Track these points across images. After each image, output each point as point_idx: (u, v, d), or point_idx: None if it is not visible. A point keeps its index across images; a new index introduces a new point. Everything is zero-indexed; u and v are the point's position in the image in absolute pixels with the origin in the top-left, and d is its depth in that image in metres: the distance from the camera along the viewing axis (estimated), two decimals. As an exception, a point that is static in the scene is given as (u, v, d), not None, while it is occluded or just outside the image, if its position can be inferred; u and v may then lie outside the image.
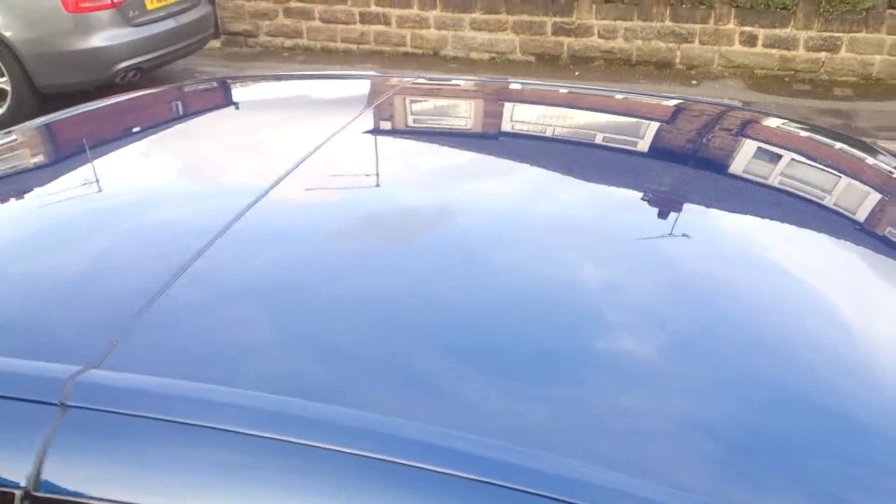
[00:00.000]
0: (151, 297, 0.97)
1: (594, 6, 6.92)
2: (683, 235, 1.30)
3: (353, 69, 7.07)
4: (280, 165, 1.37)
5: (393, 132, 1.75)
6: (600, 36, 7.00)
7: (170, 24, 6.10)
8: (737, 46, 6.79)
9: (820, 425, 0.90)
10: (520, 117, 1.89)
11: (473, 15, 7.18)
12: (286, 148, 1.52)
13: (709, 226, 1.40)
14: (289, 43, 7.79)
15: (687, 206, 1.45)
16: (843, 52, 6.60)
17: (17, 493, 0.75)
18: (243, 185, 1.33)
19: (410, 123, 1.88)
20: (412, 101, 1.98)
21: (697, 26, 6.79)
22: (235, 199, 1.23)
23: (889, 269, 1.34)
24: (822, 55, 6.64)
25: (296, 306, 1.01)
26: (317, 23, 7.64)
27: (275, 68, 7.29)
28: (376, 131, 1.69)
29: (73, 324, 0.98)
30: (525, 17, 7.08)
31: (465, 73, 6.97)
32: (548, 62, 7.14)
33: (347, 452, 0.75)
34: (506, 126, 1.84)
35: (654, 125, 1.91)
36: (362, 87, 2.20)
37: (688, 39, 6.85)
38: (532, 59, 7.20)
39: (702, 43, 6.83)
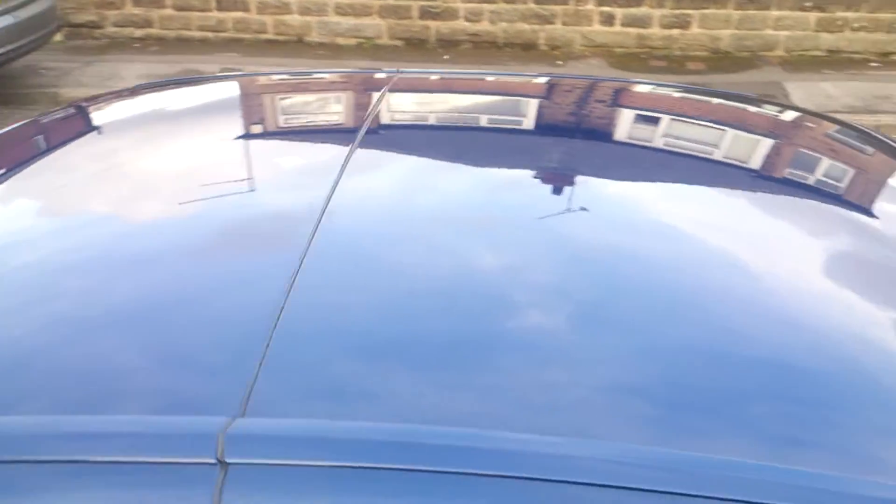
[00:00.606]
0: (265, 334, 0.90)
1: (458, -11, 6.95)
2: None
3: (213, 58, 6.78)
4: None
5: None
6: (466, 19, 7.05)
7: (7, 20, 5.61)
8: (596, 26, 7.02)
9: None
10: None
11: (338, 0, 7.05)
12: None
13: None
14: (139, 33, 7.35)
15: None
16: (694, 28, 6.97)
17: None
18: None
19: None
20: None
21: (559, 7, 6.97)
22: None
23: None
24: (675, 32, 6.99)
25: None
26: (169, 10, 7.26)
27: (125, 60, 6.87)
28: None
29: (196, 372, 0.89)
30: (391, 2, 7.02)
31: (332, 59, 6.84)
32: (416, 46, 7.12)
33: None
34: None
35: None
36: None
37: (550, 21, 7.01)
38: (400, 43, 7.15)
39: (564, 24, 7.02)
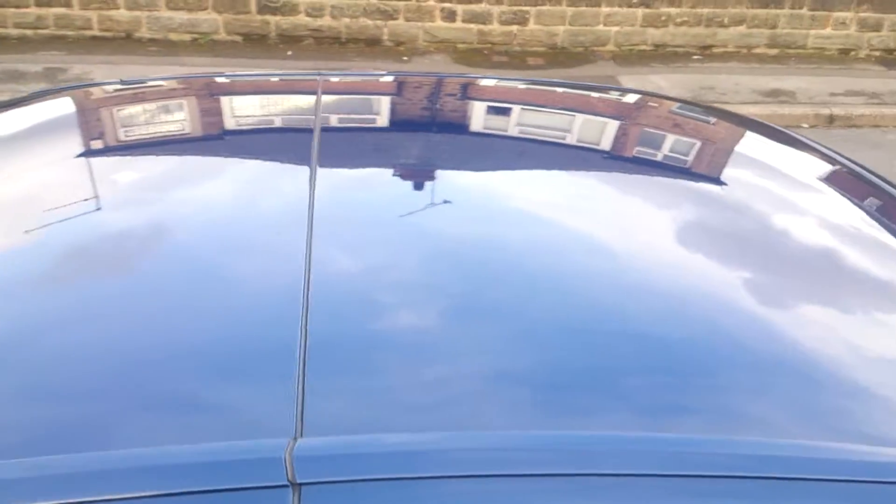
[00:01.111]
0: (295, 351, 0.86)
1: (297, -16, 6.80)
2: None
3: (34, 58, 6.29)
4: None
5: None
6: (307, 14, 6.91)
7: None
8: (438, 22, 7.08)
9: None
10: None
11: (168, -6, 6.71)
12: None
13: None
14: (-57, 30, 6.70)
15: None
16: (531, 25, 7.18)
17: None
18: None
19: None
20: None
21: (402, 3, 6.97)
22: None
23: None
24: (514, 28, 7.17)
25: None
26: (-22, 6, 6.66)
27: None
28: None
29: (241, 396, 0.84)
30: (227, -4, 6.77)
31: (165, 56, 6.51)
32: (256, 42, 6.91)
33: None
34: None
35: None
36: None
37: (393, 16, 7.00)
38: (239, 38, 6.91)
39: (407, 20, 7.03)
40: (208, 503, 0.70)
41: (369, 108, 1.87)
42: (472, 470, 0.73)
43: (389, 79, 2.30)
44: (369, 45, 7.03)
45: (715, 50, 7.43)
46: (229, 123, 1.68)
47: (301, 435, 0.77)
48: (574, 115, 1.86)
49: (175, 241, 1.16)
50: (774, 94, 6.52)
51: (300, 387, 0.83)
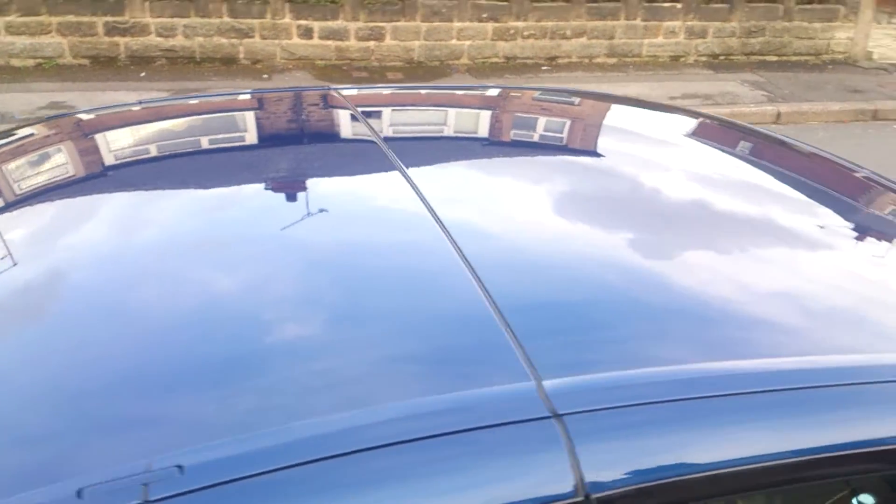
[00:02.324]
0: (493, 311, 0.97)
1: (147, 3, 6.61)
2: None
3: None
4: None
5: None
6: (158, 34, 6.72)
7: None
8: (296, 39, 7.08)
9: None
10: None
11: (8, 18, 6.34)
12: None
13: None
14: None
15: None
16: (388, 40, 7.31)
17: (579, 499, 0.77)
18: None
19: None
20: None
21: (256, 21, 6.92)
22: None
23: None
24: (371, 44, 7.28)
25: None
26: None
27: None
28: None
29: (473, 348, 0.95)
30: (71, 18, 6.48)
31: (11, 83, 6.15)
32: (105, 64, 6.64)
33: None
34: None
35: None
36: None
37: (249, 34, 6.94)
38: (86, 62, 6.62)
39: (263, 37, 6.98)
40: (483, 439, 0.78)
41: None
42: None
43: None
44: (226, 64, 6.93)
45: (560, 61, 7.85)
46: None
47: (542, 378, 0.86)
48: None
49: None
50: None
51: (516, 338, 0.92)
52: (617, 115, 2.04)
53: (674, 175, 1.58)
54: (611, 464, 0.82)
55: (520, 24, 7.64)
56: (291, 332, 0.98)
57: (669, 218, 1.35)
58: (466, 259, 1.08)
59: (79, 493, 0.69)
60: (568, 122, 1.94)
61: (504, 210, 1.33)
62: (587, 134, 1.88)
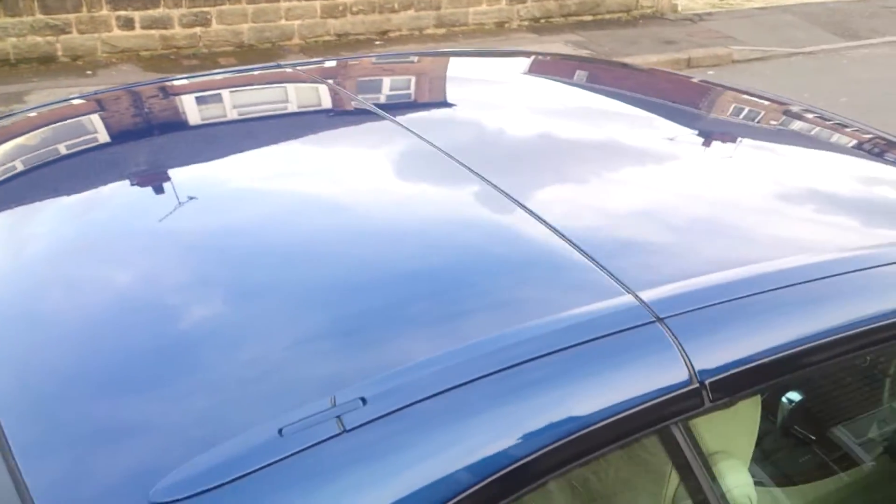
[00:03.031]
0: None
1: (-54, 5, 6.13)
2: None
3: None
4: None
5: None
6: (-36, 37, 6.26)
7: None
8: (116, 31, 6.78)
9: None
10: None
11: None
12: None
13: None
14: None
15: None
16: (215, 25, 7.14)
17: (694, 385, 0.90)
18: None
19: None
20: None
21: (72, 16, 6.57)
22: None
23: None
24: (198, 30, 7.08)
25: None
26: None
27: None
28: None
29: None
30: None
31: None
32: None
33: None
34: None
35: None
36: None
37: (65, 30, 6.58)
38: None
39: (81, 32, 6.64)
40: (608, 345, 0.91)
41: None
42: None
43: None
44: (44, 64, 6.54)
45: (392, 34, 7.94)
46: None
47: (634, 290, 0.98)
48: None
49: None
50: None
51: (598, 262, 1.05)
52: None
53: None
54: (715, 352, 0.95)
55: (348, 0, 7.66)
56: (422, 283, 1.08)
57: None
58: (527, 208, 1.19)
59: (280, 432, 0.76)
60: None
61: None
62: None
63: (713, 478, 0.98)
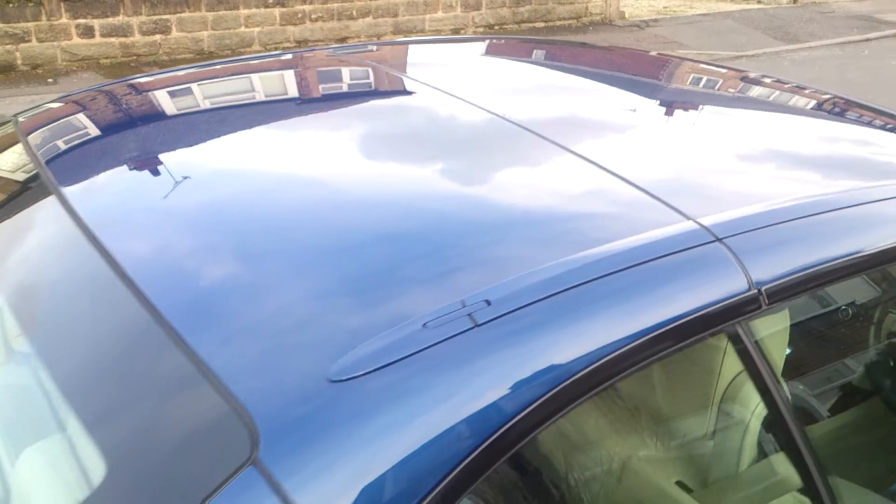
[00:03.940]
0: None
1: None
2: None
3: None
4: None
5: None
6: (-79, 45, 6.21)
7: None
8: (77, 39, 6.78)
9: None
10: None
11: None
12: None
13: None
14: None
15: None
16: (175, 33, 7.18)
17: (753, 292, 1.08)
18: None
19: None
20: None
21: (31, 24, 6.55)
22: None
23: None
24: (158, 37, 7.11)
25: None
26: None
27: None
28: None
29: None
30: None
31: None
32: None
33: None
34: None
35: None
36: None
37: (25, 39, 6.56)
38: None
39: (40, 41, 6.63)
40: (677, 261, 1.07)
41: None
42: None
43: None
44: (3, 72, 6.51)
45: (351, 41, 8.06)
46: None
47: (694, 216, 1.15)
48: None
49: None
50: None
51: (656, 196, 1.21)
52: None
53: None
54: (768, 265, 1.12)
55: (307, 7, 7.76)
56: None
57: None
58: (584, 156, 1.37)
59: (424, 326, 0.91)
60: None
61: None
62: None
63: (773, 373, 1.17)
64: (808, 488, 1.19)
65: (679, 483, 1.35)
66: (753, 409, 1.26)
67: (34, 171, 1.48)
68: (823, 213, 1.24)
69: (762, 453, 1.33)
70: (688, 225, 1.14)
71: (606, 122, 1.64)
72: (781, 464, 1.26)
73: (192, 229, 1.22)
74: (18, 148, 1.62)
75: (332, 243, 1.14)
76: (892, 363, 1.79)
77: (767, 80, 2.09)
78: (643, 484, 1.33)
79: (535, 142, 1.42)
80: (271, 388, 0.87)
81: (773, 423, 1.24)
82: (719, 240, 1.11)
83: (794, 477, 1.23)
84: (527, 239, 1.14)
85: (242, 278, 1.06)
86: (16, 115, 1.79)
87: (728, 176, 1.41)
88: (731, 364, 1.20)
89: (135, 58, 7.02)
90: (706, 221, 1.14)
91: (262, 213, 1.24)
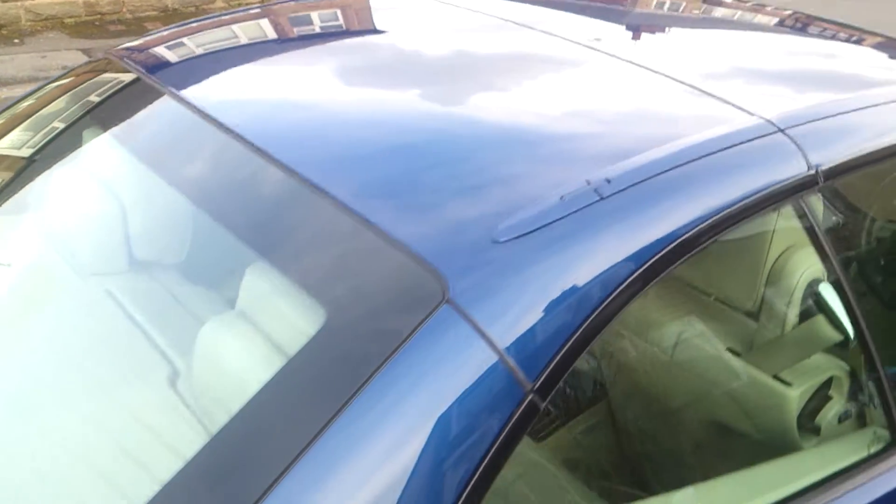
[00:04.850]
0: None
1: None
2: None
3: None
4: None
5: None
6: None
7: None
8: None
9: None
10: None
11: None
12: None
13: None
14: None
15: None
16: (138, -9, 7.15)
17: (811, 172, 1.31)
18: None
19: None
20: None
21: (-9, -16, 6.50)
22: None
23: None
24: (121, -5, 7.09)
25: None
26: None
27: None
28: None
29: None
30: None
31: None
32: None
33: None
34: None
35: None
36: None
37: (-13, -2, 6.51)
38: None
39: (3, 1, 6.58)
40: (742, 151, 1.30)
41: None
42: None
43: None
44: (-33, 34, 6.47)
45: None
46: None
47: (760, 113, 1.38)
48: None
49: None
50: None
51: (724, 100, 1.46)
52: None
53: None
54: (828, 148, 1.36)
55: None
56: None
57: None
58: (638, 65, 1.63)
59: (561, 198, 1.14)
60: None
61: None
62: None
63: (830, 242, 1.42)
64: (862, 347, 1.43)
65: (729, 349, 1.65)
66: (801, 274, 1.56)
67: (160, 92, 1.64)
68: (866, 108, 1.49)
69: (807, 315, 1.59)
70: (755, 120, 1.37)
71: (658, 35, 1.91)
72: (824, 324, 1.54)
73: (355, 128, 1.43)
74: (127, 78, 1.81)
75: (475, 139, 1.37)
76: None
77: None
78: (697, 354, 1.62)
79: (605, 60, 1.65)
80: (451, 247, 1.10)
81: (822, 286, 1.52)
82: (781, 130, 1.35)
83: (835, 334, 1.51)
84: (625, 135, 1.39)
85: (418, 172, 1.29)
86: (107, 52, 1.94)
87: (778, 77, 1.66)
88: (785, 237, 1.49)
89: (99, 17, 7.00)
90: (770, 115, 1.38)
91: (417, 115, 1.48)
